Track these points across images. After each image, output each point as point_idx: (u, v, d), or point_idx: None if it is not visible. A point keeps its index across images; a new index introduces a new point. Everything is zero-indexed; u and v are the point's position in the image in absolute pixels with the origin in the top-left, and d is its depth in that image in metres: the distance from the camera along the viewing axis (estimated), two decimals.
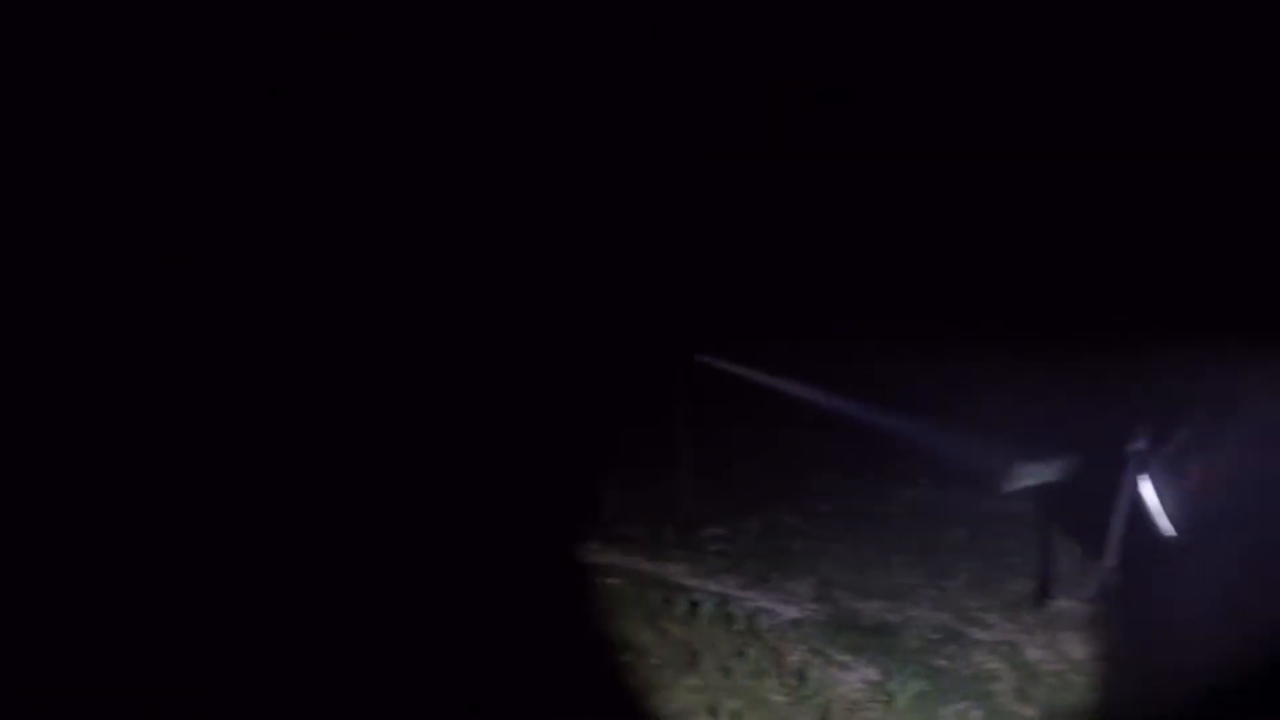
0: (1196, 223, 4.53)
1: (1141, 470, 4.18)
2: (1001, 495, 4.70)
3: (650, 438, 5.14)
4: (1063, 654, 4.03)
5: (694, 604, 4.21)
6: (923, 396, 4.91)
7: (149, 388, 4.54)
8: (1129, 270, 4.67)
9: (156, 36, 3.97)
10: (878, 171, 4.57)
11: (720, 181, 4.73)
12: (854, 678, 3.88)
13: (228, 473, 4.29)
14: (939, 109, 4.35)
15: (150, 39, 3.98)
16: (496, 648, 3.73)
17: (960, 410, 4.87)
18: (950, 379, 4.95)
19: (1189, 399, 4.35)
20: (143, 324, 4.69)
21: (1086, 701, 3.78)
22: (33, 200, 4.49)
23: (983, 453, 4.73)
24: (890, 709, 3.71)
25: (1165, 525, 4.15)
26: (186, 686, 3.36)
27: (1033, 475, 4.68)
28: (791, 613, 4.24)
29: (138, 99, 4.26)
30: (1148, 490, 4.19)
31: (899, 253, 4.82)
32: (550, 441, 4.91)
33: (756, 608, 4.25)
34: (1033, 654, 4.04)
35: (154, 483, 4.16)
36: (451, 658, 3.66)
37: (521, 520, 4.48)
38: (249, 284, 4.89)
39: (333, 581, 3.91)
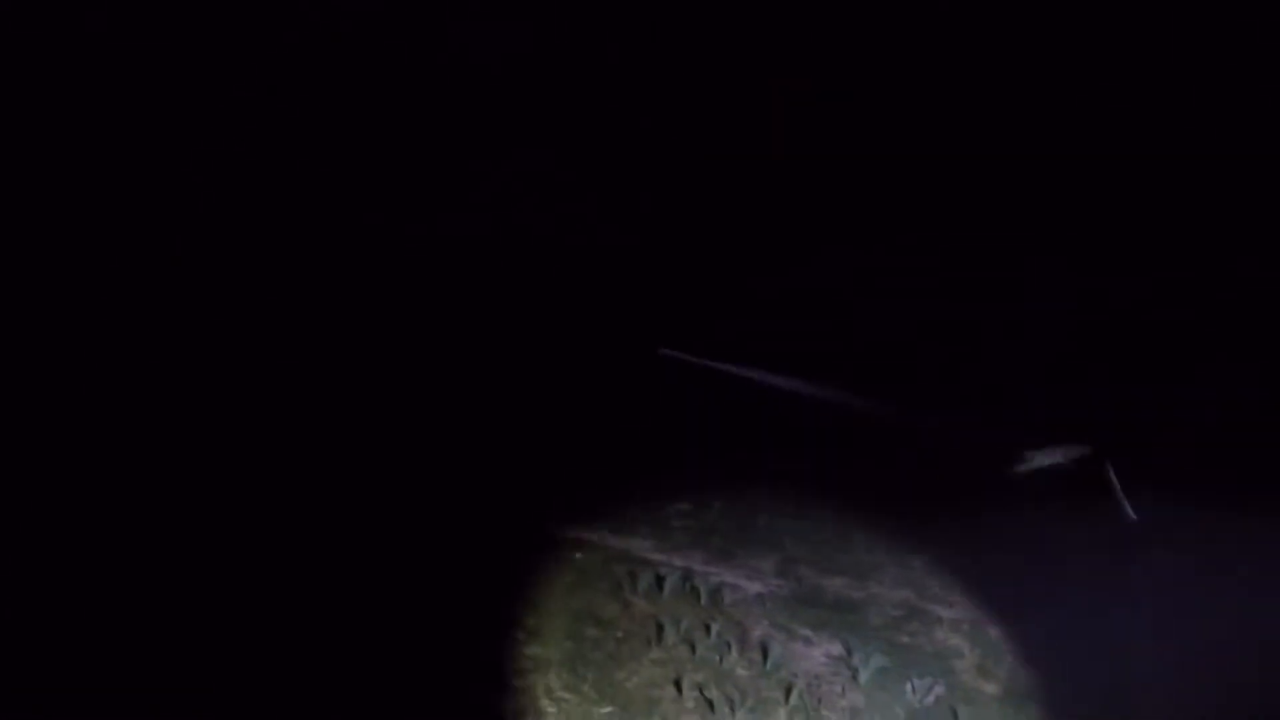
0: (1196, 223, 4.53)
1: (1108, 457, 4.27)
2: (1005, 477, 4.73)
3: (621, 422, 5.13)
4: (1025, 632, 4.07)
5: (659, 578, 4.23)
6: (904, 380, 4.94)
7: (149, 387, 4.55)
8: (1129, 270, 4.68)
9: (156, 36, 3.97)
10: (878, 171, 4.57)
11: (720, 181, 4.73)
12: (817, 653, 3.94)
13: (228, 472, 4.29)
14: (939, 109, 4.35)
15: (150, 39, 3.98)
16: (461, 622, 3.77)
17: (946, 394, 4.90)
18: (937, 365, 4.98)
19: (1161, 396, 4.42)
20: (143, 324, 4.70)
21: (1047, 679, 3.84)
22: (33, 200, 4.49)
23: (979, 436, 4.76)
24: (853, 683, 3.78)
25: (1128, 510, 4.24)
26: (186, 686, 3.37)
27: (1038, 461, 4.72)
28: (756, 588, 4.27)
29: (138, 99, 4.27)
30: (1112, 476, 4.27)
31: (899, 253, 4.82)
32: (524, 426, 4.90)
33: (721, 582, 4.27)
34: (994, 632, 4.09)
35: (154, 483, 4.17)
36: (419, 632, 3.71)
37: (489, 497, 4.49)
38: (249, 284, 4.89)
39: (318, 572, 3.93)
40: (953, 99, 4.29)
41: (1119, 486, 4.30)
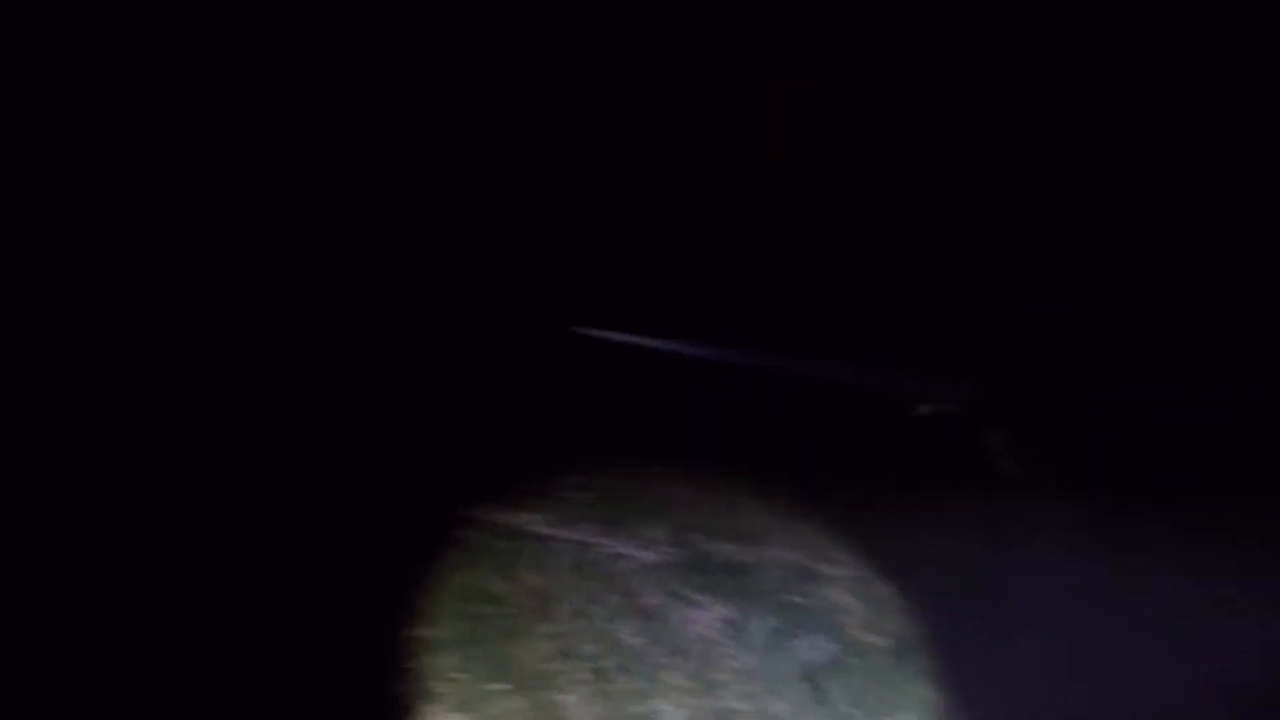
0: (1196, 223, 4.53)
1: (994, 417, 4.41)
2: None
3: (511, 397, 5.10)
4: (915, 587, 4.14)
5: (550, 552, 4.24)
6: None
7: (149, 387, 4.55)
8: (1129, 270, 4.68)
9: (156, 36, 3.97)
10: (878, 171, 4.57)
11: (720, 181, 4.73)
12: (708, 617, 4.00)
13: (227, 473, 4.29)
14: (939, 109, 4.35)
15: (150, 39, 3.98)
16: (346, 606, 3.77)
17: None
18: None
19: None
20: (143, 324, 4.69)
21: (934, 631, 3.92)
22: (33, 200, 4.49)
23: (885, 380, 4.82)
24: (744, 644, 3.83)
25: (1007, 465, 4.35)
26: (186, 686, 3.37)
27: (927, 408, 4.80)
28: (648, 557, 4.29)
29: (138, 99, 4.27)
30: (996, 437, 4.37)
31: (899, 253, 4.82)
32: (415, 404, 4.85)
33: (613, 553, 4.29)
34: (884, 589, 4.16)
35: (154, 483, 4.17)
36: (302, 618, 3.72)
37: (380, 480, 4.48)
38: (249, 284, 4.89)
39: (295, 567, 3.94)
40: (953, 99, 4.29)
41: (999, 443, 4.41)
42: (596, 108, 4.43)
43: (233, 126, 4.43)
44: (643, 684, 3.68)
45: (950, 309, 4.91)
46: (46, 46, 3.94)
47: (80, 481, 4.10)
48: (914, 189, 4.63)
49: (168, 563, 3.87)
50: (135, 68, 4.08)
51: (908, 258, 4.83)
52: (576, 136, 4.57)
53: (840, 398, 4.94)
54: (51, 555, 3.82)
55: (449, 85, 4.27)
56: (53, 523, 3.93)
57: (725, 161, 4.64)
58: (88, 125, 4.34)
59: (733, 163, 4.65)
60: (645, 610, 4.01)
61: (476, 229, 4.87)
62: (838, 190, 4.68)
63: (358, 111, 4.39)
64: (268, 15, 3.89)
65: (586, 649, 3.78)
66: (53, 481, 4.06)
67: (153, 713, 3.34)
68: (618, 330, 5.12)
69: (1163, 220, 4.56)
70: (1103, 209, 4.58)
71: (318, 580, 3.90)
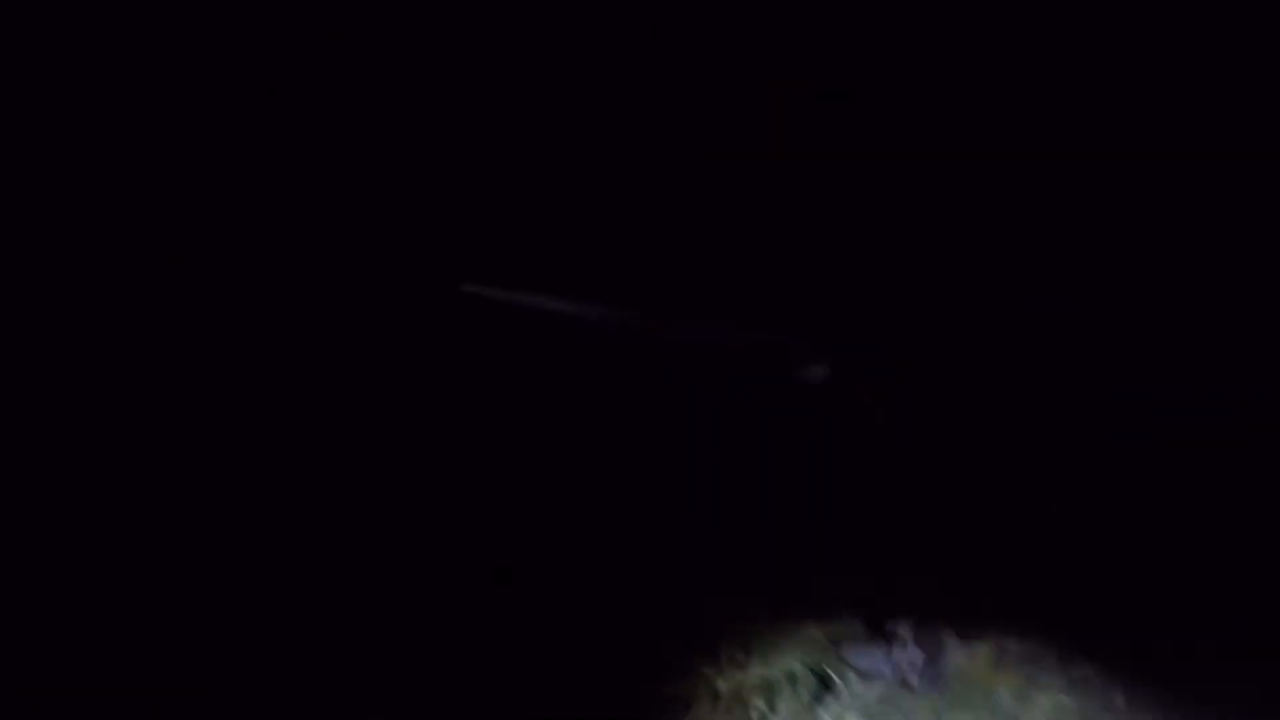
0: (1196, 223, 4.53)
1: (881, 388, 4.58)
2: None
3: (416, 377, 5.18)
4: (806, 545, 4.32)
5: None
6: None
7: (149, 388, 4.55)
8: (1129, 270, 4.68)
9: (156, 36, 3.97)
10: (878, 171, 4.57)
11: (720, 181, 4.73)
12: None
13: (227, 473, 4.30)
14: (939, 109, 4.34)
15: (150, 39, 3.98)
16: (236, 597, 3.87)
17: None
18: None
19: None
20: (143, 324, 4.70)
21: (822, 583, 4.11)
22: (33, 200, 4.49)
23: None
24: None
25: (904, 433, 4.52)
26: (186, 686, 3.38)
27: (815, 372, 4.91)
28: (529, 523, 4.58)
29: (138, 99, 4.26)
30: (889, 406, 4.53)
31: (899, 253, 4.82)
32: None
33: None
34: (769, 544, 4.34)
35: (154, 483, 4.17)
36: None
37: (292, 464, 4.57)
38: (249, 284, 4.89)
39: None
40: (953, 99, 4.29)
41: (898, 411, 4.55)
42: (596, 108, 4.42)
43: (233, 126, 4.43)
44: None
45: (950, 309, 4.91)
46: (46, 46, 3.94)
47: (80, 480, 4.11)
48: (914, 189, 4.63)
49: (155, 558, 3.90)
50: (135, 68, 4.08)
51: (908, 258, 4.83)
52: (576, 136, 4.57)
53: (719, 361, 5.06)
54: (52, 554, 3.82)
55: (449, 85, 4.27)
56: (53, 521, 3.94)
57: (725, 161, 4.64)
58: (88, 125, 4.34)
59: (733, 163, 4.64)
60: None
61: (476, 229, 4.87)
62: (838, 190, 4.67)
63: (358, 112, 4.39)
64: (268, 15, 3.89)
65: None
66: (53, 479, 4.06)
67: (154, 712, 3.37)
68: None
69: (1163, 220, 4.55)
70: (1103, 209, 4.57)
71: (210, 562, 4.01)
